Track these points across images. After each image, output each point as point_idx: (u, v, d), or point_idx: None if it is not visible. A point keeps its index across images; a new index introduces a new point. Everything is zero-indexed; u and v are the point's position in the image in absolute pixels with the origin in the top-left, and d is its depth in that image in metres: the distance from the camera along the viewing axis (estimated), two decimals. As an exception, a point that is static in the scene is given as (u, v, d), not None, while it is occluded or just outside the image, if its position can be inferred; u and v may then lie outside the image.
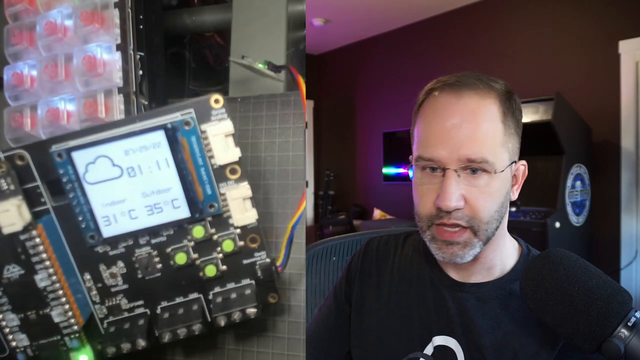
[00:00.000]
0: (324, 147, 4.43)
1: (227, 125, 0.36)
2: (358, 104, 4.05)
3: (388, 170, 3.73)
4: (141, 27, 0.49)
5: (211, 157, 0.36)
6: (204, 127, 0.36)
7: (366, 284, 0.66)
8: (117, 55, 0.47)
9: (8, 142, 0.48)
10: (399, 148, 3.58)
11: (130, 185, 0.36)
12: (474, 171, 0.52)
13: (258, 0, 0.59)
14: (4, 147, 0.45)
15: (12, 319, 0.37)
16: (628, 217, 2.33)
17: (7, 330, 0.38)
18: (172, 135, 0.35)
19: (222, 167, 0.37)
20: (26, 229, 0.35)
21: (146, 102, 0.49)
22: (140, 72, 0.49)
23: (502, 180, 0.54)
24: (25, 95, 0.49)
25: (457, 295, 0.58)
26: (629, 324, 0.41)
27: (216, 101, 0.36)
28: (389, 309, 0.63)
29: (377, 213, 3.67)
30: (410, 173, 0.63)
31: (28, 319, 0.37)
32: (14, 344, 0.38)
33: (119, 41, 0.47)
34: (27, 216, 0.35)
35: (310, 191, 4.29)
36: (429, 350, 0.58)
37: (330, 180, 4.03)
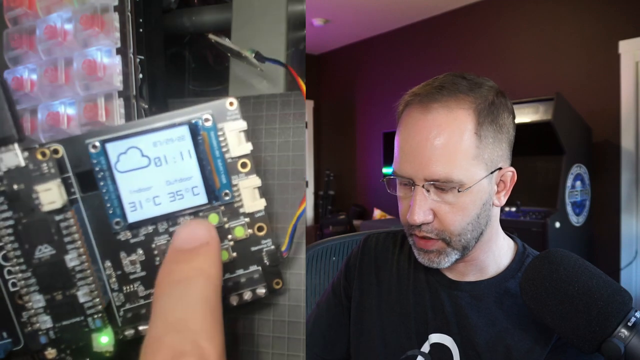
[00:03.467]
0: (324, 147, 4.43)
1: (241, 123, 0.40)
2: (358, 104, 4.06)
3: (388, 170, 3.73)
4: (141, 30, 0.49)
5: (226, 151, 0.40)
6: (220, 125, 0.40)
7: (365, 281, 0.67)
8: (117, 59, 0.47)
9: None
10: (399, 148, 3.58)
11: (156, 173, 0.39)
12: (442, 188, 0.53)
13: (258, 0, 0.60)
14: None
15: (38, 300, 0.39)
16: (628, 217, 2.33)
17: (31, 312, 0.39)
18: (195, 129, 0.39)
19: (235, 162, 0.40)
20: (64, 208, 0.38)
21: (146, 106, 0.49)
22: (141, 76, 0.49)
23: (475, 193, 0.53)
24: (25, 99, 0.49)
25: (453, 293, 0.59)
26: (629, 324, 0.41)
27: (230, 104, 0.40)
28: (387, 307, 0.64)
29: (377, 213, 3.68)
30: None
31: (54, 300, 0.39)
32: (36, 326, 0.39)
33: (118, 45, 0.47)
34: (65, 196, 0.38)
35: (310, 191, 4.29)
36: (425, 348, 0.59)
37: (330, 180, 4.03)
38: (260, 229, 0.43)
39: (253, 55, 0.54)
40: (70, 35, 0.47)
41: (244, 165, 0.41)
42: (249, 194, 0.41)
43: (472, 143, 0.52)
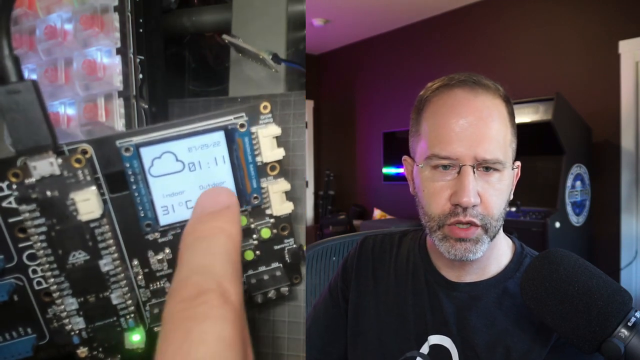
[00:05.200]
0: (324, 147, 4.43)
1: (275, 128, 0.40)
2: (358, 104, 4.06)
3: (388, 170, 3.73)
4: (141, 30, 0.49)
5: (257, 155, 0.40)
6: (253, 129, 0.40)
7: (363, 283, 0.67)
8: (117, 59, 0.47)
9: (8, 147, 0.48)
10: (399, 148, 3.58)
11: (190, 178, 0.39)
12: (487, 169, 0.53)
13: (258, 0, 0.60)
14: (4, 154, 0.45)
15: (71, 303, 0.38)
16: (628, 217, 2.33)
17: (64, 314, 0.38)
18: (231, 135, 0.39)
19: (264, 165, 0.41)
20: (102, 216, 0.37)
21: (146, 106, 0.49)
22: (140, 76, 0.49)
23: (510, 178, 0.55)
24: (25, 98, 0.49)
25: (452, 294, 0.59)
26: (629, 324, 0.41)
27: (264, 107, 0.40)
28: (385, 308, 0.63)
29: (377, 213, 3.68)
30: (407, 172, 0.63)
31: (87, 302, 0.39)
32: (69, 327, 0.39)
33: (118, 45, 0.47)
34: (102, 205, 0.37)
35: (310, 191, 4.29)
36: (424, 349, 0.59)
37: (330, 180, 4.03)
38: (284, 228, 0.43)
39: (270, 57, 0.54)
40: (70, 35, 0.47)
41: (273, 168, 0.41)
42: (278, 197, 0.41)
43: (509, 130, 0.55)
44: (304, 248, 0.46)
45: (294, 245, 0.44)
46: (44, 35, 0.47)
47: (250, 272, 0.43)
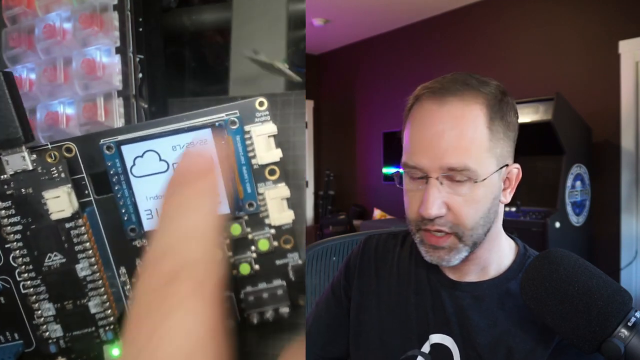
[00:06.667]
0: (324, 147, 4.43)
1: (271, 127, 0.37)
2: (358, 104, 4.05)
3: (388, 170, 3.73)
4: (140, 29, 0.49)
5: (252, 157, 0.37)
6: (247, 127, 0.37)
7: (365, 282, 0.67)
8: (117, 58, 0.47)
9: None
10: (399, 148, 3.56)
11: None
12: (456, 179, 0.52)
13: (258, -1, 0.59)
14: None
15: (48, 309, 0.37)
16: (628, 217, 2.33)
17: (41, 320, 0.37)
18: (219, 133, 0.36)
19: (262, 168, 0.37)
20: (73, 216, 0.36)
21: (146, 105, 0.49)
22: (140, 75, 0.49)
23: (488, 187, 0.53)
24: (24, 98, 0.48)
25: (454, 294, 0.59)
26: (629, 324, 0.41)
27: (260, 104, 0.37)
28: (387, 307, 0.63)
29: (377, 213, 3.67)
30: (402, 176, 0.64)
31: (64, 309, 0.37)
32: (46, 334, 0.37)
33: (118, 44, 0.47)
34: (75, 204, 0.36)
35: (310, 191, 4.29)
36: (426, 348, 0.59)
37: (330, 180, 4.03)
38: (286, 241, 0.40)
39: (286, 65, 0.53)
40: (69, 34, 0.47)
41: (272, 172, 0.38)
42: (276, 205, 0.38)
43: (485, 136, 0.53)
44: (304, 257, 0.43)
45: (299, 262, 0.41)
46: (42, 34, 0.47)
47: (249, 288, 0.40)
